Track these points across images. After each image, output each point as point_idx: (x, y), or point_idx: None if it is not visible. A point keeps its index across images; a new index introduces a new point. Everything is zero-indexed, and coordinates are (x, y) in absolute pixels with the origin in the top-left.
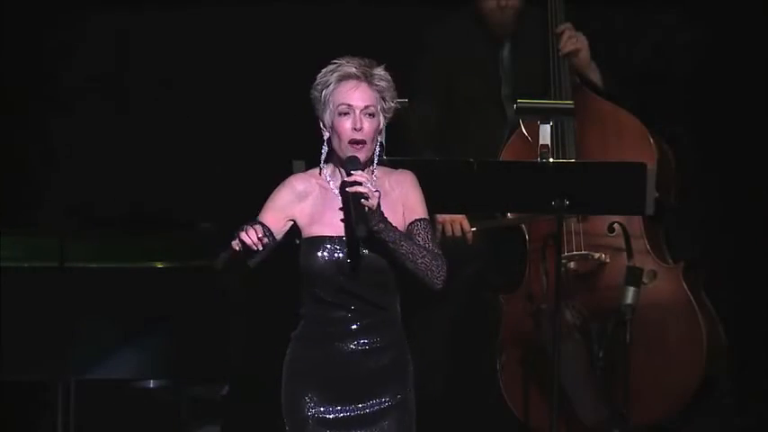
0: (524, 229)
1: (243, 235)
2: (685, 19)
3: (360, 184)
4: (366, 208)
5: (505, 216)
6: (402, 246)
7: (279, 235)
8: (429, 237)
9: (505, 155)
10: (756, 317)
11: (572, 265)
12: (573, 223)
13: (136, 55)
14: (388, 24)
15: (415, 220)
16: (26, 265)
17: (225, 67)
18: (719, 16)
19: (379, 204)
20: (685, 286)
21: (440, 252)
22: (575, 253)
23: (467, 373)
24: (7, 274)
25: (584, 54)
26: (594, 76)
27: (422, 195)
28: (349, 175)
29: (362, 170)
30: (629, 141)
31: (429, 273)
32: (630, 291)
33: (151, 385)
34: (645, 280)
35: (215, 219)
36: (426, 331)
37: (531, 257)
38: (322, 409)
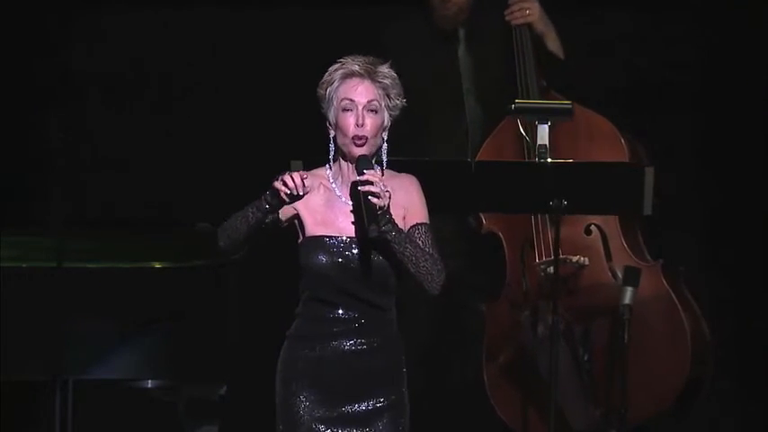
0: (501, 236)
1: (286, 178)
2: (686, 29)
3: (372, 183)
4: (378, 207)
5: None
6: (407, 248)
7: (283, 219)
8: (429, 241)
9: (485, 151)
10: (757, 315)
11: (550, 269)
12: (549, 228)
13: (135, 55)
14: (345, 26)
15: (417, 224)
16: (24, 264)
17: (224, 67)
18: (719, 26)
19: (388, 206)
20: (666, 284)
21: (439, 258)
22: (553, 258)
23: (451, 378)
24: (6, 274)
25: (538, 24)
26: (554, 45)
27: (424, 201)
28: (361, 174)
29: (373, 170)
30: (600, 142)
31: (429, 277)
32: (629, 291)
33: (149, 385)
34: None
35: (213, 219)
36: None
37: (510, 265)
38: (316, 409)
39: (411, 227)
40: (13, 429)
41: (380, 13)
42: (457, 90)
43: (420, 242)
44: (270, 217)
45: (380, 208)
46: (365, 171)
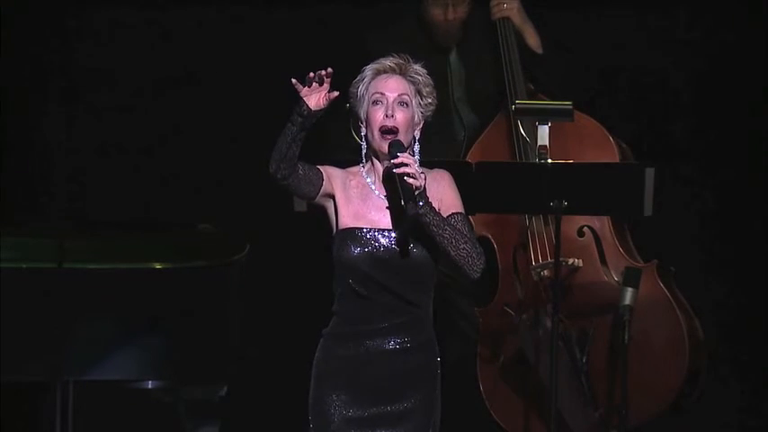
0: (492, 240)
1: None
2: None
3: (406, 165)
4: (414, 187)
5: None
6: (446, 229)
7: (319, 180)
8: (467, 228)
9: (474, 153)
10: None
11: (545, 273)
12: (543, 231)
13: (136, 55)
14: (330, 31)
15: (452, 213)
16: (25, 265)
17: (225, 68)
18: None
19: (424, 187)
20: (661, 284)
21: (477, 242)
22: (548, 261)
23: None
24: (6, 275)
25: (516, 19)
26: (533, 41)
27: (457, 193)
28: (394, 157)
29: (406, 152)
30: (590, 143)
31: (470, 259)
32: (629, 291)
33: (149, 386)
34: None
35: (214, 220)
36: None
37: (503, 269)
38: (347, 408)
39: (448, 216)
40: (13, 429)
41: (365, 20)
42: (447, 97)
43: (458, 228)
44: (306, 122)
45: (416, 188)
46: (399, 154)
